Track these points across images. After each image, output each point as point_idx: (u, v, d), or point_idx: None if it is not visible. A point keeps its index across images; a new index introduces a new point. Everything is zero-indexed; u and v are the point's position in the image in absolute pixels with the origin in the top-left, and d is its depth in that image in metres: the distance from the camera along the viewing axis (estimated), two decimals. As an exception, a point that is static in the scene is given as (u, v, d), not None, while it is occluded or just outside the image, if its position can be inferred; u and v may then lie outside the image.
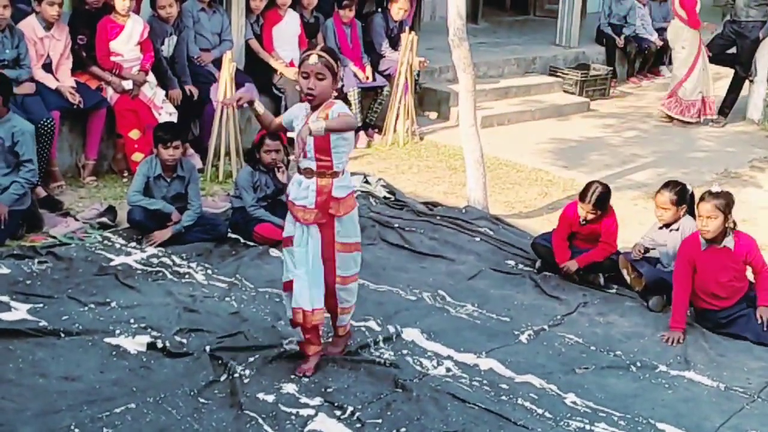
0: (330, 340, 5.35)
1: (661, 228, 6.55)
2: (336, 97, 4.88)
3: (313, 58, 4.68)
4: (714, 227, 5.85)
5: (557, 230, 6.77)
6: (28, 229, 6.78)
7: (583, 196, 6.58)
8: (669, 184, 6.53)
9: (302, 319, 4.92)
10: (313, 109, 4.77)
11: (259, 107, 4.94)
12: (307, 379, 5.00)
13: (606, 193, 6.58)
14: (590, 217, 6.56)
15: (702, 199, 5.93)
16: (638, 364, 5.55)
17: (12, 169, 6.67)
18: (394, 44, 10.33)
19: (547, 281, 6.65)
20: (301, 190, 4.81)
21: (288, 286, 4.98)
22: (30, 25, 7.67)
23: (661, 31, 13.99)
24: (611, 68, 13.06)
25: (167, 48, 8.53)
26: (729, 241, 5.93)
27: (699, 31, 11.24)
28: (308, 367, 5.07)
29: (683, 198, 6.46)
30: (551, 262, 6.75)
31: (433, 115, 10.89)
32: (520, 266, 6.93)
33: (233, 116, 8.36)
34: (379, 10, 10.69)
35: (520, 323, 5.98)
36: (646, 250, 6.60)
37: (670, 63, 14.06)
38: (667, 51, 14.16)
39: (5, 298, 5.70)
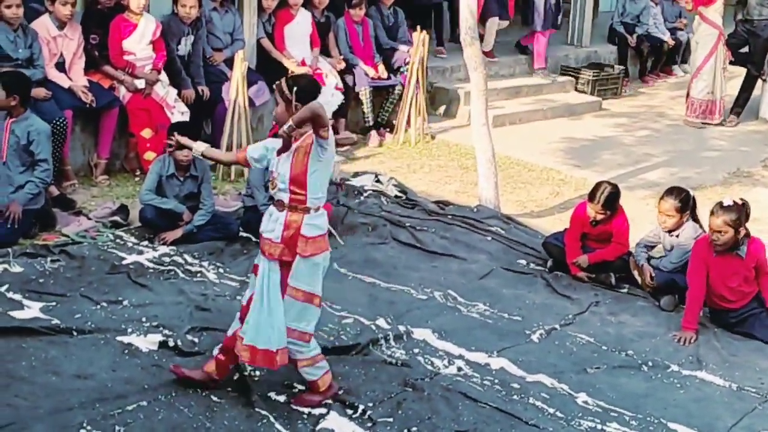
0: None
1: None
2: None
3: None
4: (724, 240, 5.87)
5: (569, 230, 6.76)
6: (41, 227, 6.81)
7: (592, 196, 6.57)
8: (672, 191, 6.50)
9: (252, 358, 4.60)
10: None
11: (199, 147, 4.94)
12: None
13: (615, 193, 6.56)
14: (600, 217, 6.56)
15: (712, 213, 5.91)
16: (650, 363, 5.55)
17: (27, 168, 6.70)
18: (394, 37, 10.31)
19: (558, 281, 6.64)
20: (270, 222, 4.62)
21: (244, 310, 4.71)
22: (43, 25, 7.70)
23: (673, 31, 13.95)
24: (623, 67, 13.02)
25: (184, 47, 8.54)
26: (741, 250, 5.93)
27: (718, 30, 11.10)
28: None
29: (687, 205, 6.44)
30: (563, 262, 6.74)
31: (441, 109, 10.87)
32: (532, 265, 6.92)
33: (245, 115, 8.37)
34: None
35: (531, 322, 5.98)
36: (650, 254, 6.62)
37: (683, 62, 14.06)
38: (680, 50, 14.14)
39: (18, 297, 5.73)
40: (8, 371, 4.87)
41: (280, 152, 4.61)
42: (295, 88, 4.55)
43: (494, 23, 11.71)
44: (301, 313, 4.63)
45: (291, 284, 4.58)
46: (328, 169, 4.63)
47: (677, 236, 6.44)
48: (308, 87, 4.58)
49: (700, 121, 11.25)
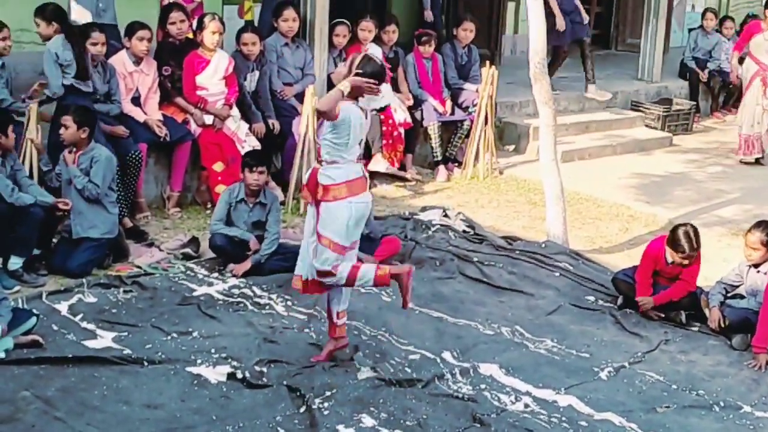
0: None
1: (749, 267, 6.43)
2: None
3: None
4: None
5: (641, 267, 6.67)
6: (114, 258, 6.95)
7: (675, 245, 6.42)
8: (761, 224, 6.39)
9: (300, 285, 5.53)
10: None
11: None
12: (386, 414, 5.01)
13: (698, 238, 6.45)
14: (685, 263, 6.46)
15: None
16: (722, 404, 5.45)
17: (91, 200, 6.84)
18: (465, 75, 10.32)
19: (627, 318, 6.57)
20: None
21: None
22: (121, 60, 7.92)
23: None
24: (694, 103, 12.89)
25: (249, 83, 8.69)
26: None
27: (758, 65, 10.95)
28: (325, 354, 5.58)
29: None
30: (632, 298, 6.67)
31: (510, 147, 10.87)
32: (600, 302, 6.85)
33: (314, 150, 8.44)
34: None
35: (599, 360, 5.92)
36: (725, 299, 6.50)
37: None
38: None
39: (92, 326, 5.85)
40: (81, 399, 4.98)
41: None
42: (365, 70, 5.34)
43: None
44: (325, 255, 5.32)
45: (318, 230, 5.30)
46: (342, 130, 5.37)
47: (765, 273, 6.33)
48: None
49: (753, 158, 11.02)
